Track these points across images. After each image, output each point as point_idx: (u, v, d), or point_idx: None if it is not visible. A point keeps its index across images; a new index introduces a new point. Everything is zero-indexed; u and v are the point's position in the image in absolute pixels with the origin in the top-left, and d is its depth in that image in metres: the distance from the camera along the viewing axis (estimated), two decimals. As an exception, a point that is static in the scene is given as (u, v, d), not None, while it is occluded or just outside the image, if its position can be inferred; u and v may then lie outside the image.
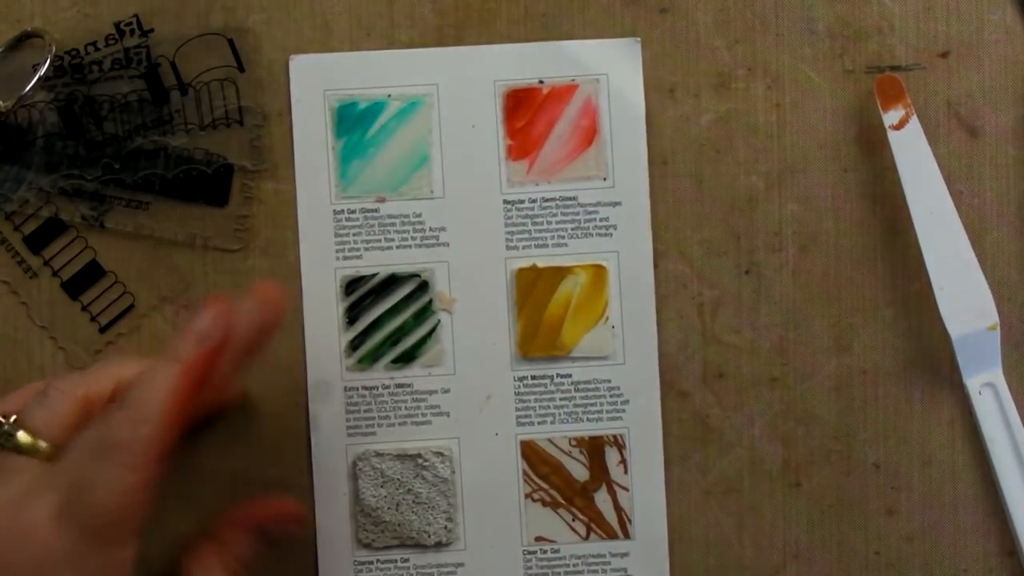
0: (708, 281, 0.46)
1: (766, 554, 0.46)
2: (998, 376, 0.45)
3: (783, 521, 0.46)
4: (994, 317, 0.45)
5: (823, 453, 0.46)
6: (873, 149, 0.46)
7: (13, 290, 0.46)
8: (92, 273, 0.45)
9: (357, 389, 0.46)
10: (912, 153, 0.44)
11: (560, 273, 0.46)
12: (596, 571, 0.46)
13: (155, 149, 0.45)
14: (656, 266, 0.46)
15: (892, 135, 0.44)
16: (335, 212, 0.46)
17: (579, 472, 0.46)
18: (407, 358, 0.46)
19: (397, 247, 0.46)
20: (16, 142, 0.45)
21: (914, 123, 0.45)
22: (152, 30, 0.45)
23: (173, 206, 0.45)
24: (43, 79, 0.44)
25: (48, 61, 0.44)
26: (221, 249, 0.46)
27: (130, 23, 0.45)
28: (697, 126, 0.46)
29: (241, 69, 0.45)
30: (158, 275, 0.46)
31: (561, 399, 0.46)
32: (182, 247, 0.46)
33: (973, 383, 0.45)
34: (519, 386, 0.46)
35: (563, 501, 0.46)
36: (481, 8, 0.46)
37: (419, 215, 0.46)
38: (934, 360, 0.46)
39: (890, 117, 0.45)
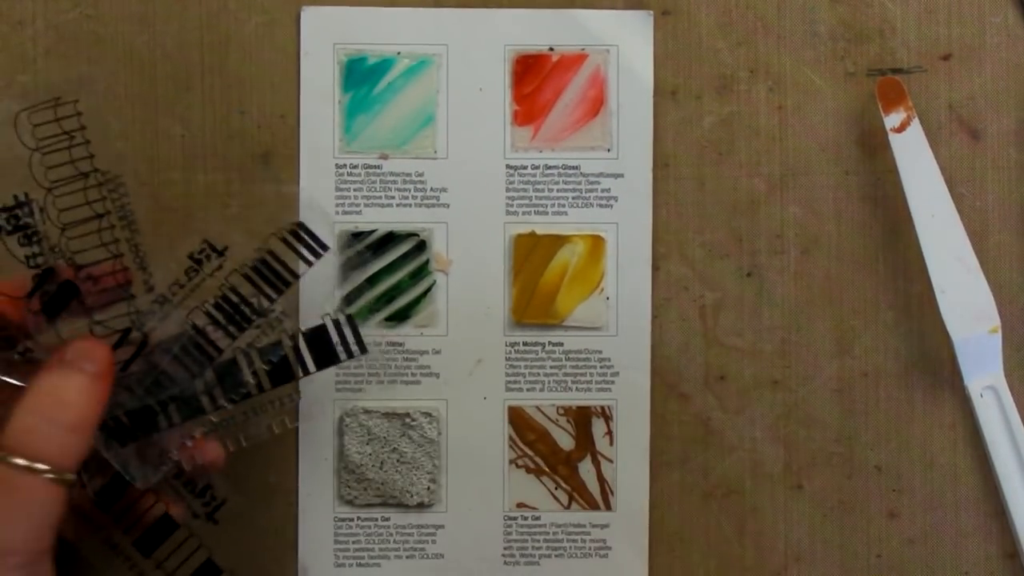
0: (710, 283, 0.46)
1: (767, 556, 0.46)
2: (999, 379, 0.45)
3: (784, 524, 0.46)
4: (995, 320, 0.45)
5: (825, 456, 0.46)
6: (875, 152, 0.46)
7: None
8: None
9: None
10: (913, 156, 0.44)
11: (558, 241, 0.46)
12: (576, 540, 0.46)
13: None
14: (658, 268, 0.46)
15: (893, 138, 0.44)
16: (337, 166, 0.46)
17: (565, 441, 0.46)
18: (400, 317, 0.46)
19: (397, 205, 0.46)
20: None
21: (915, 126, 0.45)
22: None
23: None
24: None
25: None
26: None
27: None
28: (699, 128, 0.46)
29: None
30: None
31: (551, 367, 0.46)
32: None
33: (974, 386, 0.45)
34: (510, 352, 0.46)
35: (547, 469, 0.46)
36: (486, -20, 0.46)
37: (421, 174, 0.46)
38: (935, 363, 0.46)
39: (891, 120, 0.45)
